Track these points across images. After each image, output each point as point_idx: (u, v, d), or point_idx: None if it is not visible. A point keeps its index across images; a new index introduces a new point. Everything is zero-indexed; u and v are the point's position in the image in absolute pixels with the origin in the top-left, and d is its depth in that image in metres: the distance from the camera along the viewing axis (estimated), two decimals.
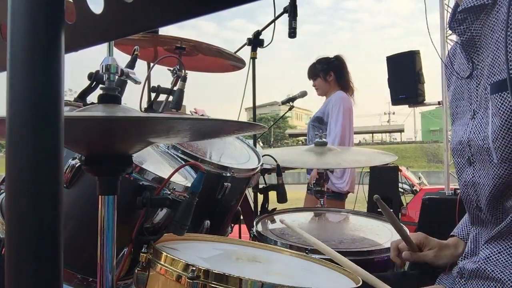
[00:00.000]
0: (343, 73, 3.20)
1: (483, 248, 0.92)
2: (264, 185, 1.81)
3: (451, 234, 1.14)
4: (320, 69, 3.19)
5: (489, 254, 0.88)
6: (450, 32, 3.76)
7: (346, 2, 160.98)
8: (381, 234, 1.47)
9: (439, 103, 4.42)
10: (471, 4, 0.90)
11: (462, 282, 0.94)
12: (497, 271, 0.85)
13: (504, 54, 0.81)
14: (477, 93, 0.94)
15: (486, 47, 0.91)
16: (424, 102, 4.50)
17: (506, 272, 0.84)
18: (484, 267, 0.88)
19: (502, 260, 0.86)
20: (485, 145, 0.88)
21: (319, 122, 3.15)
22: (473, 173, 0.96)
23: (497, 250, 0.88)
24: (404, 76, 4.31)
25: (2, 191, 1.14)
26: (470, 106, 0.96)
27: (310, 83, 3.33)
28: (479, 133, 0.90)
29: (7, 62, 0.28)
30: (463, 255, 1.02)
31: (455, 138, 1.02)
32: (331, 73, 3.17)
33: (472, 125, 0.94)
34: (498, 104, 0.83)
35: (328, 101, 3.15)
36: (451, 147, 1.06)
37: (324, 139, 2.01)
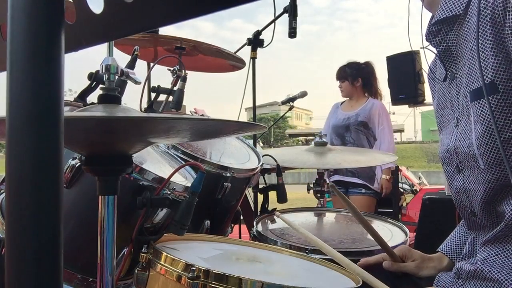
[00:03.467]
0: (371, 80, 3.27)
1: (480, 251, 0.92)
2: (264, 185, 1.80)
3: (437, 250, 1.16)
4: (350, 74, 3.26)
5: (486, 256, 0.89)
6: None
7: (344, 2, 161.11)
8: (381, 234, 1.46)
9: None
10: (444, 16, 0.91)
11: (460, 282, 0.95)
12: (494, 272, 0.86)
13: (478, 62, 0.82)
14: (458, 101, 0.95)
15: (462, 56, 0.92)
16: (424, 102, 4.49)
17: (503, 273, 0.85)
18: (482, 268, 0.88)
19: (499, 262, 0.87)
20: (470, 152, 0.89)
21: (364, 127, 3.20)
22: (463, 180, 0.97)
23: (494, 253, 0.88)
24: (404, 76, 4.31)
25: (2, 191, 1.14)
26: (453, 114, 0.98)
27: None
28: (464, 140, 0.92)
29: (7, 62, 0.28)
30: (461, 256, 1.03)
31: (442, 146, 1.03)
32: (359, 79, 3.25)
33: (457, 132, 0.95)
34: (478, 111, 0.84)
35: (370, 108, 3.20)
36: (439, 155, 1.06)
37: (324, 139, 2.01)
